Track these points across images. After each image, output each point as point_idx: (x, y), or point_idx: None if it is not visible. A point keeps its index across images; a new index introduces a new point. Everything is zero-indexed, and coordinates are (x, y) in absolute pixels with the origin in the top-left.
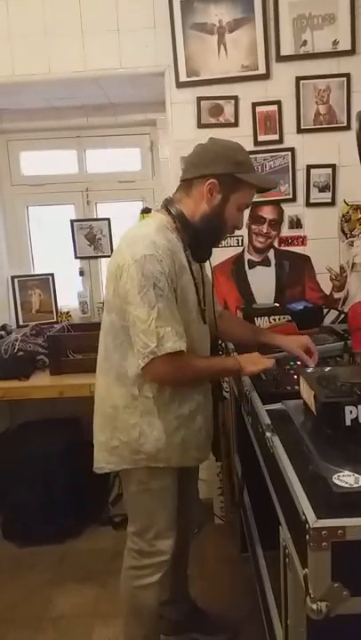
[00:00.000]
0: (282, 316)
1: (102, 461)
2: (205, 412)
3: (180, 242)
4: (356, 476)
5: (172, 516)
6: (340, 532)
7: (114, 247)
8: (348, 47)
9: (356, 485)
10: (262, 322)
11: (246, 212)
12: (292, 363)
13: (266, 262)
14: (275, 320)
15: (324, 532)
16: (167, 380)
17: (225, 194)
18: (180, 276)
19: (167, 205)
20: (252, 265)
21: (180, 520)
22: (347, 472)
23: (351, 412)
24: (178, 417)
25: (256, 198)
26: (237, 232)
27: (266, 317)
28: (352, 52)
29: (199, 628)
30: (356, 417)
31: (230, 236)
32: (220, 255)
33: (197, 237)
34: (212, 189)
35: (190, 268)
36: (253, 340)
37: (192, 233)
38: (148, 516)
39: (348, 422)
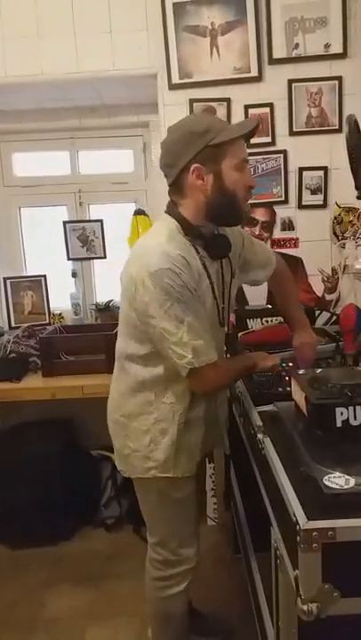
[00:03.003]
0: (274, 318)
1: (121, 466)
2: (213, 417)
3: (191, 247)
4: (347, 477)
5: (195, 522)
6: (330, 533)
7: (106, 249)
8: (340, 50)
9: (346, 487)
10: (255, 323)
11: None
12: (283, 364)
13: None
14: (267, 322)
15: (314, 534)
16: (211, 387)
17: (214, 168)
18: (200, 283)
19: (170, 212)
20: None
21: None
22: (338, 473)
23: (342, 413)
24: (184, 422)
25: (249, 201)
26: None
27: (258, 319)
28: (344, 55)
29: (195, 628)
30: (347, 418)
31: None
32: None
33: (216, 226)
34: (199, 174)
35: (207, 272)
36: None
37: (201, 232)
38: (171, 525)
39: (338, 424)
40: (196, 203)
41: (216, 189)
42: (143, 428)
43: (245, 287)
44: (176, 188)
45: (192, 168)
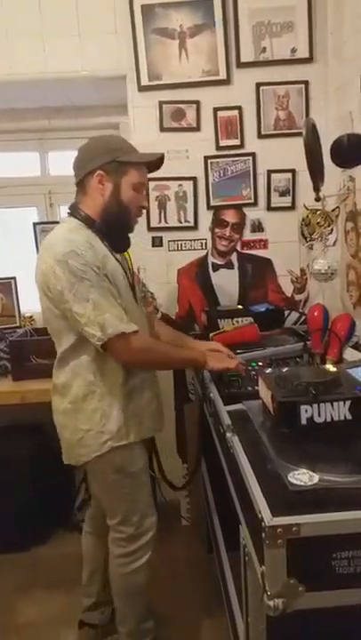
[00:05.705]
0: (245, 318)
1: (74, 456)
2: (154, 388)
3: (96, 236)
4: (311, 473)
5: (151, 492)
6: (294, 529)
7: None
8: (307, 55)
9: (310, 483)
10: (226, 323)
11: (210, 216)
12: (253, 363)
13: (229, 265)
14: (238, 322)
15: (279, 530)
16: (130, 359)
17: (115, 180)
18: (105, 263)
19: (72, 210)
20: (216, 268)
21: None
22: (302, 470)
23: (306, 410)
24: (126, 393)
25: (219, 202)
26: (201, 235)
27: (229, 319)
28: (310, 59)
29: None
30: (312, 416)
31: (194, 240)
32: (184, 258)
33: (109, 229)
34: (101, 180)
35: (114, 256)
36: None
37: (101, 228)
38: (132, 500)
39: (303, 421)
40: (94, 203)
41: (112, 197)
42: (92, 406)
43: (216, 288)
44: (82, 187)
45: (96, 173)
